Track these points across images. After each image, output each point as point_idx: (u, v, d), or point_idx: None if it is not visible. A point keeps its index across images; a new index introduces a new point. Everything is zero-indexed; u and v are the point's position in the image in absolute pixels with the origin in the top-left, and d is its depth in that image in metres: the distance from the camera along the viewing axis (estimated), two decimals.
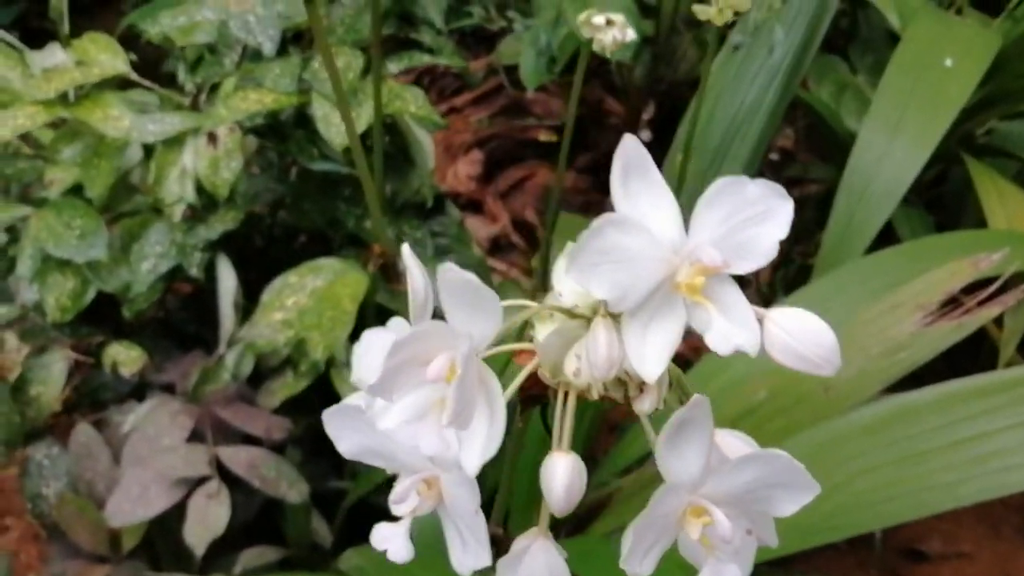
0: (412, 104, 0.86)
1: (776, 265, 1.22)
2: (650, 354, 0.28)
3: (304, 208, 0.93)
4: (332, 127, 0.82)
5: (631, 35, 0.58)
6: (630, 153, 0.28)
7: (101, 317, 0.96)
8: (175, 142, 0.86)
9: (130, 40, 1.05)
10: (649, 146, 0.28)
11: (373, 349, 0.34)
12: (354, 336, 0.78)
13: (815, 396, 0.77)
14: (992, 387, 0.73)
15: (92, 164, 0.91)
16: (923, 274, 0.79)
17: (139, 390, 0.93)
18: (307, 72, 0.85)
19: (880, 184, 0.96)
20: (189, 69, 0.91)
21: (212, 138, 0.84)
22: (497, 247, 1.46)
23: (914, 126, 0.97)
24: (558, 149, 0.83)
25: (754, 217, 0.28)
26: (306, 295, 0.85)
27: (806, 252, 1.19)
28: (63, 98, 0.93)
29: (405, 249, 0.31)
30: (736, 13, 0.67)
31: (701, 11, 0.69)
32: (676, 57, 1.45)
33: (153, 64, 1.09)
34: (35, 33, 1.41)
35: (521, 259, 1.43)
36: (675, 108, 1.50)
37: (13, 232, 0.94)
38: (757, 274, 1.18)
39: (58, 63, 1.00)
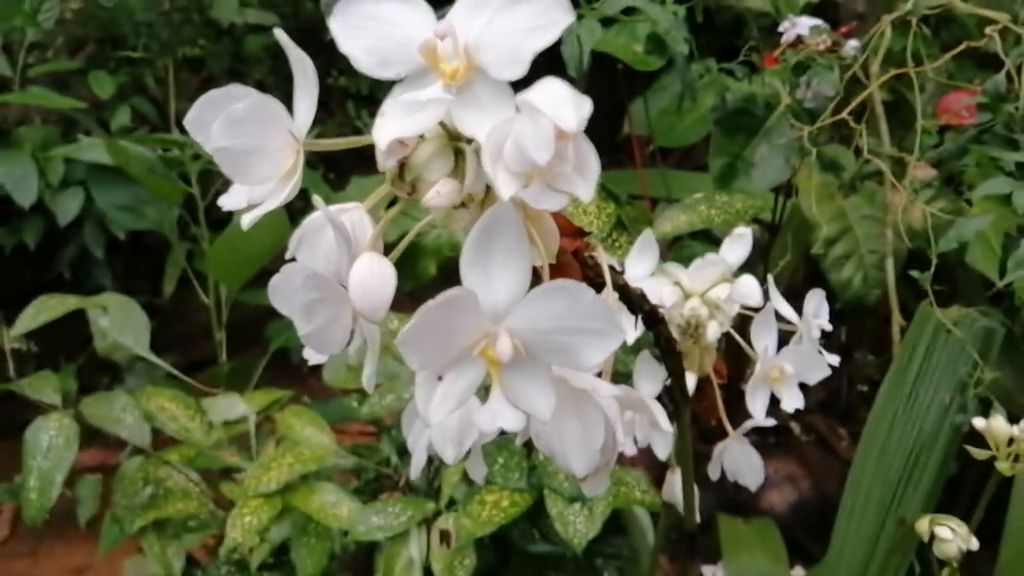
0: (637, 489, 0.87)
1: None
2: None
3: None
4: (570, 527, 0.83)
5: (975, 544, 0.59)
6: None
7: None
8: (402, 534, 0.86)
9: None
10: None
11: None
12: None
13: None
14: None
15: (303, 543, 0.90)
16: None
17: None
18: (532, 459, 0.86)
19: None
20: (395, 448, 0.92)
21: (445, 536, 0.84)
22: None
23: None
24: None
25: None
26: None
27: None
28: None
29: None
30: None
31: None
32: None
33: None
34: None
35: None
36: None
37: None
38: None
39: (239, 415, 1.00)
